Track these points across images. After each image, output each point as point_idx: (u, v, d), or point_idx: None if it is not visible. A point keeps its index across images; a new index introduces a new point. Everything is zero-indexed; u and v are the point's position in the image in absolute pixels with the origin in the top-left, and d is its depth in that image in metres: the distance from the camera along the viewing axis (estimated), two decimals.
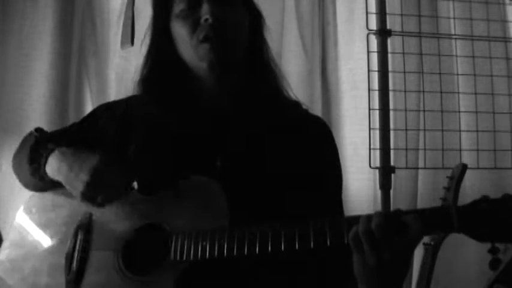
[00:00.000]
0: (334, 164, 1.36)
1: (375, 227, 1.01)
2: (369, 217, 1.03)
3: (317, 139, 1.34)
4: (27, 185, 1.41)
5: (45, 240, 1.33)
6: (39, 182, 1.33)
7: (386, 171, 2.16)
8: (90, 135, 1.39)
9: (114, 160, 1.24)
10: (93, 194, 1.22)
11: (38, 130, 1.42)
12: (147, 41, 1.37)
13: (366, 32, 2.20)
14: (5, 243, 1.40)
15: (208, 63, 1.25)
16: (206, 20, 1.23)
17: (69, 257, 1.27)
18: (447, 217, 1.01)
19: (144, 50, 1.37)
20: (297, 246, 1.07)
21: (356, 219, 1.04)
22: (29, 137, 1.40)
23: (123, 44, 1.99)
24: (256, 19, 1.34)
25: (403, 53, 2.25)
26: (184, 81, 1.31)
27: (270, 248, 1.09)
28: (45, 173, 1.30)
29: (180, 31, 1.27)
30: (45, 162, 1.30)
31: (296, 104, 1.38)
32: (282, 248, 1.08)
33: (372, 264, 1.02)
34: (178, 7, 1.27)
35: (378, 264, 1.01)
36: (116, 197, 1.24)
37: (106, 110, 1.44)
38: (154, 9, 1.36)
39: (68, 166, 1.25)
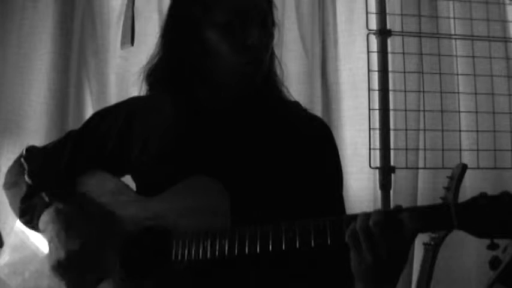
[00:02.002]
0: (335, 162, 1.36)
1: (372, 224, 1.01)
2: (367, 214, 1.03)
3: (318, 138, 1.34)
4: None
5: (45, 244, 1.33)
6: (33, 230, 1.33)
7: (386, 171, 2.16)
8: (91, 143, 1.38)
9: (101, 244, 1.23)
10: (61, 274, 1.22)
11: (30, 150, 1.40)
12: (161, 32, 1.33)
13: (366, 32, 2.20)
14: (6, 247, 1.40)
15: (238, 80, 1.25)
16: (252, 45, 1.20)
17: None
18: (446, 214, 1.01)
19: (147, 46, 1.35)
20: (297, 245, 1.07)
21: (354, 217, 1.05)
22: (21, 177, 1.36)
23: (123, 44, 2.00)
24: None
25: (403, 53, 2.25)
26: (193, 80, 1.30)
27: (270, 248, 1.09)
28: (38, 227, 1.29)
29: (220, 44, 1.22)
30: (39, 217, 1.28)
31: (296, 105, 1.39)
32: (283, 247, 1.08)
33: (368, 262, 1.02)
34: (221, 17, 1.21)
35: (374, 262, 1.02)
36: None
37: (105, 115, 1.43)
38: (189, 3, 1.27)
39: (55, 232, 1.24)
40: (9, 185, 1.39)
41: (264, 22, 1.24)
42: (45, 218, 1.27)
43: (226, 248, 1.11)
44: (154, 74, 1.30)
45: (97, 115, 1.46)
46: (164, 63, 1.29)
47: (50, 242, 1.24)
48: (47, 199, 1.28)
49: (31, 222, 1.30)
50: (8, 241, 1.41)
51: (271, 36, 1.28)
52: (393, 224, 1.01)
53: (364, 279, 1.06)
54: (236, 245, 1.11)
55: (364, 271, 1.04)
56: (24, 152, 1.40)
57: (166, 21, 1.31)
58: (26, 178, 1.33)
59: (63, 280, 1.23)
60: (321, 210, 1.22)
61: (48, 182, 1.33)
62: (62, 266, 1.21)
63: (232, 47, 1.21)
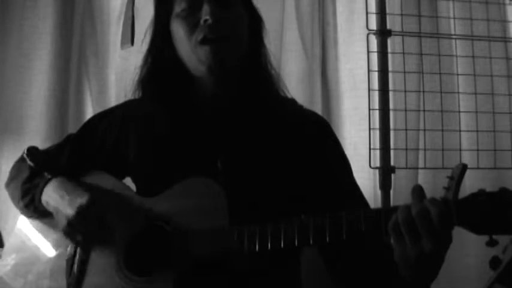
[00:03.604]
0: (339, 153, 1.36)
1: (415, 215, 0.99)
2: (407, 206, 1.01)
3: (317, 134, 1.34)
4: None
5: (47, 245, 1.33)
6: (33, 214, 1.33)
7: (386, 171, 2.16)
8: (90, 145, 1.38)
9: (104, 202, 1.24)
10: (73, 232, 1.23)
11: (31, 150, 1.41)
12: (148, 39, 1.36)
13: (366, 32, 2.20)
14: (7, 248, 1.40)
15: (207, 66, 1.24)
16: (206, 21, 1.21)
17: (70, 260, 1.27)
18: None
19: (144, 48, 1.36)
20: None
21: (394, 209, 1.03)
22: (23, 164, 1.37)
23: (123, 44, 1.99)
24: (256, 22, 1.33)
25: (403, 53, 2.25)
26: (184, 81, 1.30)
27: (269, 246, 1.08)
28: (40, 203, 1.30)
29: (179, 31, 1.26)
30: (41, 191, 1.29)
31: (292, 102, 1.39)
32: (282, 245, 1.08)
33: (412, 254, 1.00)
34: (179, 6, 1.26)
35: (418, 254, 0.99)
36: (95, 241, 1.24)
37: (103, 117, 1.43)
38: (156, 8, 1.35)
39: (59, 198, 1.25)
40: (11, 178, 1.40)
41: (225, 2, 1.24)
42: (47, 191, 1.28)
43: (225, 247, 1.11)
44: (144, 80, 1.32)
45: (94, 118, 1.46)
46: (151, 68, 1.31)
47: (56, 209, 1.25)
48: (49, 176, 1.29)
49: (32, 202, 1.30)
50: (9, 242, 1.41)
51: (236, 17, 1.27)
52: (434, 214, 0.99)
53: (409, 269, 1.04)
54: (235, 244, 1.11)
55: (409, 263, 1.02)
56: (25, 150, 1.41)
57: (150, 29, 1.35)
58: (29, 162, 1.34)
59: (77, 238, 1.23)
60: (337, 201, 1.22)
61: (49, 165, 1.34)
62: (73, 224, 1.21)
63: (188, 28, 1.23)
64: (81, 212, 1.21)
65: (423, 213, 0.98)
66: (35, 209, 1.32)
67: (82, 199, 1.22)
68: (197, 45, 1.23)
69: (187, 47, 1.25)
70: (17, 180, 1.36)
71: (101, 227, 1.23)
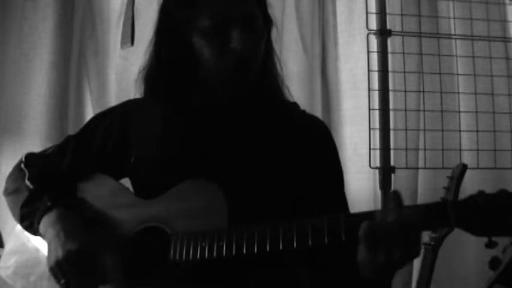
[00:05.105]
0: (336, 162, 1.36)
1: (393, 222, 0.99)
2: (384, 213, 1.01)
3: (318, 138, 1.34)
4: None
5: (46, 247, 1.33)
6: (33, 235, 1.32)
7: (386, 171, 2.16)
8: (91, 146, 1.38)
9: (100, 248, 1.22)
10: (59, 274, 1.21)
11: (29, 159, 1.40)
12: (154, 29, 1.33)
13: (366, 32, 2.20)
14: (9, 250, 1.39)
15: (233, 89, 1.24)
16: (234, 48, 1.19)
17: None
18: (444, 212, 1.01)
19: (144, 46, 1.34)
20: (295, 245, 1.07)
21: (368, 215, 1.03)
22: (22, 183, 1.35)
23: (123, 44, 1.99)
24: (269, 28, 1.32)
25: (403, 53, 2.25)
26: (185, 85, 1.30)
27: (268, 248, 1.08)
28: (38, 230, 1.28)
29: (203, 49, 1.22)
30: (40, 219, 1.27)
31: (294, 105, 1.39)
32: (280, 246, 1.08)
33: (381, 260, 1.00)
34: (202, 22, 1.20)
35: (387, 260, 1.00)
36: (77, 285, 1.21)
37: (103, 117, 1.43)
38: (171, 11, 1.27)
39: (55, 235, 1.23)
40: (9, 192, 1.39)
41: (251, 26, 1.22)
42: (46, 221, 1.26)
43: (224, 248, 1.11)
44: (147, 78, 1.31)
45: (95, 119, 1.46)
46: (155, 67, 1.29)
47: (49, 244, 1.24)
48: (49, 203, 1.28)
49: (31, 227, 1.30)
50: (10, 244, 1.41)
51: (260, 40, 1.25)
52: (400, 222, 1.00)
53: (373, 272, 1.04)
54: (233, 246, 1.11)
55: (375, 267, 1.02)
56: (23, 158, 1.40)
57: (156, 25, 1.31)
58: (27, 182, 1.33)
59: (61, 281, 1.23)
60: (325, 209, 1.22)
61: (49, 186, 1.33)
62: (60, 266, 1.20)
63: (215, 51, 1.20)
64: (69, 259, 1.19)
65: (400, 221, 0.99)
66: (34, 233, 1.31)
67: (73, 245, 1.20)
68: (224, 69, 1.21)
69: (212, 68, 1.22)
70: (14, 196, 1.35)
71: (87, 273, 1.21)
